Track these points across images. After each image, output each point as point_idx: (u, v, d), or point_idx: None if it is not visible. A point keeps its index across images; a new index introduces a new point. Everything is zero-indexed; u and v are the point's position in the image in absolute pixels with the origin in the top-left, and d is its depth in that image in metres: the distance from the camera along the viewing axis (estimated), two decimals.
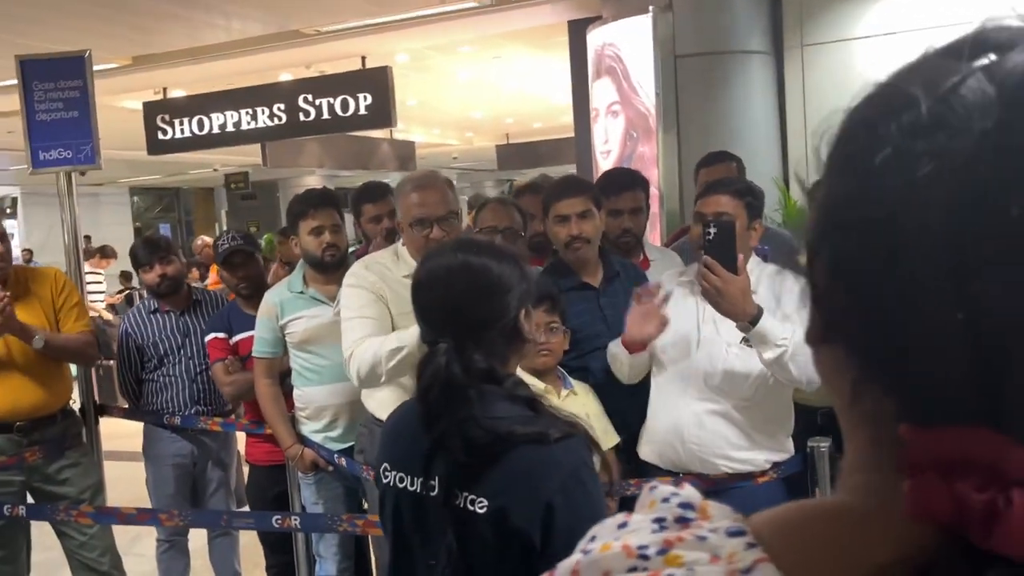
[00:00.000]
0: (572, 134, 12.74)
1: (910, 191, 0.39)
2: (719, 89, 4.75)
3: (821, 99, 4.76)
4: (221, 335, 3.25)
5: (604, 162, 5.04)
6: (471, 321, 1.34)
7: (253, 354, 2.95)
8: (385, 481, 1.41)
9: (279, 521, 2.58)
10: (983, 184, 0.37)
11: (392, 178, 18.44)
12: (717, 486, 2.19)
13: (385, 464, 1.42)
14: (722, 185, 2.25)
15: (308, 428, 2.93)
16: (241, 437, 3.62)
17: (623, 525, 0.49)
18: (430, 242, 2.29)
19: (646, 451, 2.35)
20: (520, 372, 2.29)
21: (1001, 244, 0.37)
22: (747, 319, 1.98)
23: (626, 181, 2.99)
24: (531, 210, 3.17)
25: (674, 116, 4.71)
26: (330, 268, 2.86)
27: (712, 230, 1.97)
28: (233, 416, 3.58)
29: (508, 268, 1.38)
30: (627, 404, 2.36)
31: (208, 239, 8.45)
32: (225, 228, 18.98)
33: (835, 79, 4.72)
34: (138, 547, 4.00)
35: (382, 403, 2.46)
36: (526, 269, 1.42)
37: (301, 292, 2.90)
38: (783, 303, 2.12)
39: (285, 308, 2.88)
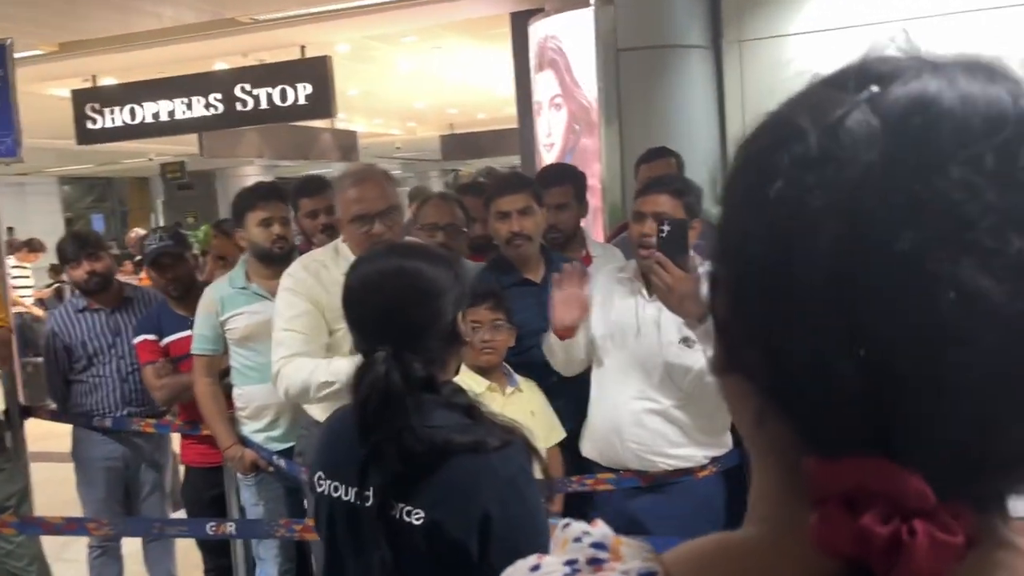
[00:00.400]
0: (516, 125, 12.77)
1: (800, 224, 0.39)
2: (660, 83, 4.77)
3: (759, 93, 4.82)
4: (151, 337, 3.16)
5: (547, 155, 5.04)
6: (408, 327, 1.31)
7: (192, 351, 2.88)
8: (320, 490, 1.38)
9: (214, 528, 2.51)
10: (868, 216, 0.38)
11: (335, 168, 18.19)
12: (657, 480, 2.21)
13: (320, 473, 1.38)
14: (661, 184, 2.25)
15: (248, 428, 2.87)
16: (176, 437, 3.54)
17: (535, 568, 0.48)
18: (371, 237, 2.25)
19: (587, 448, 2.35)
20: (465, 370, 2.29)
21: (886, 277, 0.37)
22: (696, 317, 1.99)
23: (553, 176, 2.98)
24: (472, 212, 3.10)
25: (616, 110, 4.73)
26: (278, 261, 2.80)
27: (666, 227, 1.99)
28: (168, 417, 3.49)
29: (442, 271, 1.35)
30: (568, 400, 2.36)
31: (143, 231, 8.21)
32: (156, 225, 18.51)
33: (772, 74, 4.78)
34: (69, 552, 3.87)
35: (322, 406, 2.42)
36: (460, 270, 1.41)
37: (243, 287, 2.83)
38: None
39: (226, 304, 2.81)
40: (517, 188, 2.49)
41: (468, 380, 2.27)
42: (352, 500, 1.32)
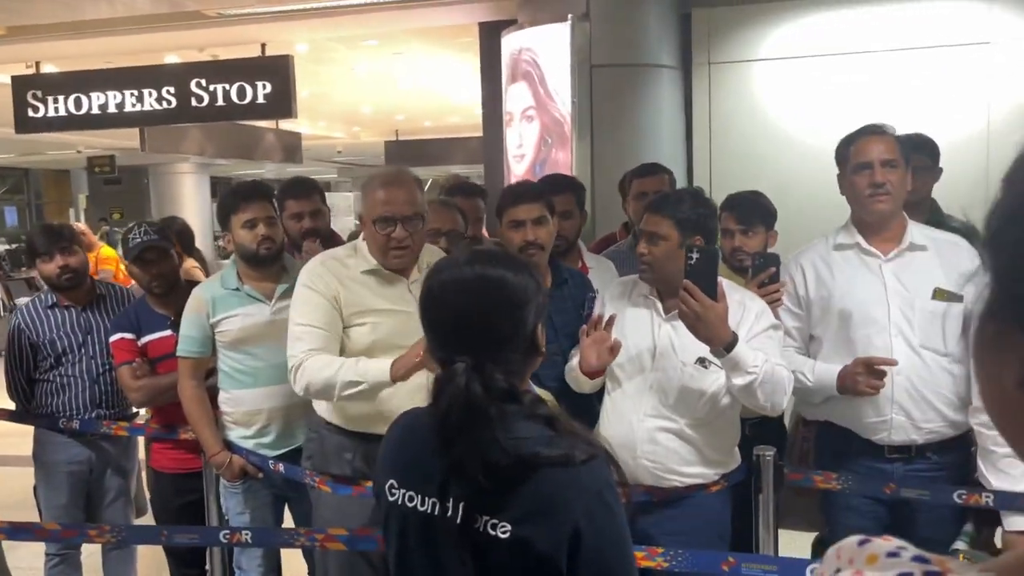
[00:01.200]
0: (463, 135, 12.75)
1: None
2: (631, 100, 4.86)
3: (725, 115, 4.97)
4: (128, 336, 3.03)
5: (517, 166, 5.07)
6: (490, 338, 1.28)
7: (178, 353, 2.77)
8: (392, 499, 1.34)
9: (228, 536, 2.42)
10: None
11: (269, 168, 17.67)
12: (671, 495, 2.24)
13: (392, 481, 1.35)
14: (660, 205, 2.26)
15: (236, 434, 2.78)
16: (142, 442, 3.41)
17: None
18: (391, 241, 2.25)
19: None
20: None
21: None
22: (723, 345, 2.02)
23: (557, 185, 3.02)
24: (470, 211, 3.25)
25: (588, 124, 4.79)
26: (266, 262, 2.74)
27: (695, 255, 2.00)
28: (140, 419, 3.36)
29: (525, 279, 1.32)
30: (577, 412, 2.38)
31: (83, 226, 7.88)
32: (75, 219, 17.80)
33: (739, 97, 4.93)
34: (15, 559, 3.67)
35: (332, 407, 2.38)
36: (540, 280, 1.37)
37: (236, 289, 2.75)
38: (742, 326, 2.17)
39: (218, 305, 2.72)
40: (532, 198, 2.50)
41: None
42: (429, 510, 1.29)
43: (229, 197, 2.79)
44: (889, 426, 2.29)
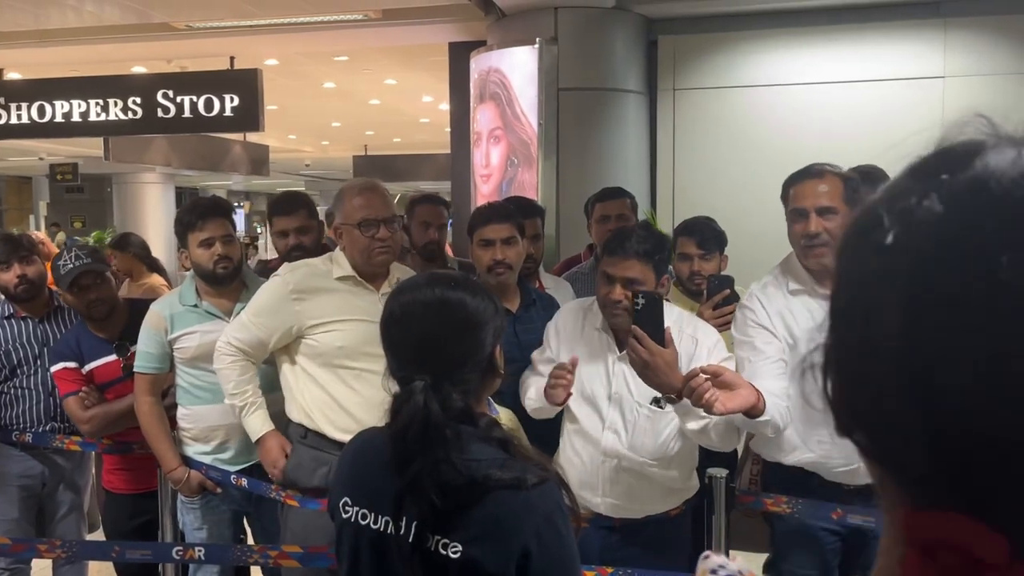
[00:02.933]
0: (431, 151, 12.79)
1: (871, 306, 0.43)
2: (597, 123, 4.94)
3: (689, 140, 5.06)
4: (70, 364, 2.93)
5: (484, 185, 5.11)
6: (449, 358, 1.31)
7: (136, 369, 2.75)
8: (345, 516, 1.36)
9: (180, 552, 2.40)
10: (932, 293, 0.40)
11: (237, 180, 17.50)
12: (632, 522, 2.26)
13: (346, 499, 1.36)
14: (630, 247, 2.16)
15: (193, 449, 2.77)
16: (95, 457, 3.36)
17: None
18: (375, 241, 2.31)
19: None
20: None
21: (957, 376, 0.39)
22: (673, 391, 1.95)
23: (526, 209, 3.07)
24: (427, 218, 3.45)
25: (554, 146, 4.85)
26: (223, 281, 2.73)
27: (640, 301, 1.94)
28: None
29: (483, 302, 1.35)
30: (538, 432, 2.39)
31: (41, 234, 7.76)
32: (64, 244, 17.48)
33: (702, 122, 5.03)
34: None
35: (306, 410, 2.42)
36: (499, 303, 1.41)
37: (195, 305, 2.74)
38: (695, 362, 2.12)
39: (176, 322, 2.71)
40: (502, 218, 2.54)
41: None
42: (382, 529, 1.30)
43: (186, 214, 2.76)
44: (858, 473, 2.23)
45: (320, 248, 3.22)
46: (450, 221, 4.06)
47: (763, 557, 2.75)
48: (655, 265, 2.17)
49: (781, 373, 2.20)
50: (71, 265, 2.92)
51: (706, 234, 2.87)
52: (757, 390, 1.96)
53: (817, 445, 2.24)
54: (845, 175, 2.28)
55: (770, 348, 2.23)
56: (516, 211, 2.69)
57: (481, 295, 1.37)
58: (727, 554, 2.41)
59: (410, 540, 1.27)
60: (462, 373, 1.31)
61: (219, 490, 2.74)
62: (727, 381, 1.91)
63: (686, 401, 1.96)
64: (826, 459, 2.26)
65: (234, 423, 2.70)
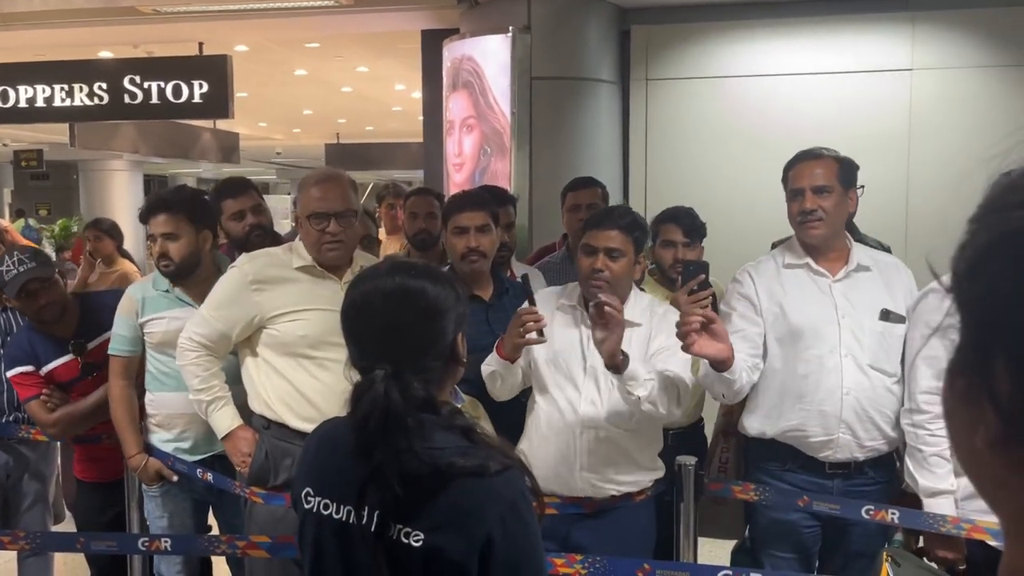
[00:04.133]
0: (404, 140, 12.71)
1: None
2: (570, 113, 4.93)
3: (661, 130, 5.08)
4: (27, 368, 2.85)
5: (457, 174, 5.09)
6: (410, 347, 1.30)
7: (109, 352, 2.73)
8: (307, 507, 1.35)
9: (146, 544, 2.37)
10: None
11: (206, 168, 17.37)
12: (600, 506, 2.27)
13: (308, 489, 1.36)
14: (612, 218, 2.26)
15: (157, 437, 2.75)
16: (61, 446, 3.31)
17: None
18: (325, 236, 2.29)
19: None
20: None
21: None
22: (615, 363, 2.07)
23: (502, 197, 3.07)
24: (415, 209, 3.57)
25: (527, 135, 4.84)
26: (168, 278, 2.69)
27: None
28: None
29: (444, 290, 1.34)
30: (507, 419, 2.40)
31: (4, 222, 7.61)
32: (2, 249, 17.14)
33: (675, 113, 5.05)
34: None
35: (267, 401, 2.39)
36: (460, 290, 1.40)
37: (166, 291, 2.72)
38: (656, 337, 2.23)
39: (147, 306, 2.70)
40: (476, 206, 2.54)
41: None
42: (343, 519, 1.30)
43: (142, 209, 2.74)
44: (835, 445, 2.32)
45: (275, 234, 3.19)
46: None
47: (731, 544, 2.78)
48: (634, 240, 2.24)
49: (751, 353, 2.32)
50: (15, 271, 2.78)
51: (690, 223, 2.88)
52: (732, 350, 2.09)
53: (794, 413, 2.33)
54: (840, 157, 2.39)
55: (745, 324, 2.36)
56: (492, 199, 2.68)
57: (442, 283, 1.36)
58: (695, 543, 2.45)
59: (372, 529, 1.26)
60: (424, 362, 1.31)
61: (175, 478, 2.71)
62: (715, 331, 2.06)
63: (630, 370, 2.07)
64: (802, 427, 2.33)
65: (195, 412, 2.67)
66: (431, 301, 1.32)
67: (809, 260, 2.38)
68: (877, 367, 2.30)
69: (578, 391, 2.26)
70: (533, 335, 2.14)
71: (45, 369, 2.88)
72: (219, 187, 3.36)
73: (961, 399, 0.48)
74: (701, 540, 2.53)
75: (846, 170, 2.35)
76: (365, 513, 1.27)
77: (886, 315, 2.30)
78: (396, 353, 1.28)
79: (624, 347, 2.11)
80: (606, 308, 2.03)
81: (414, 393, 1.26)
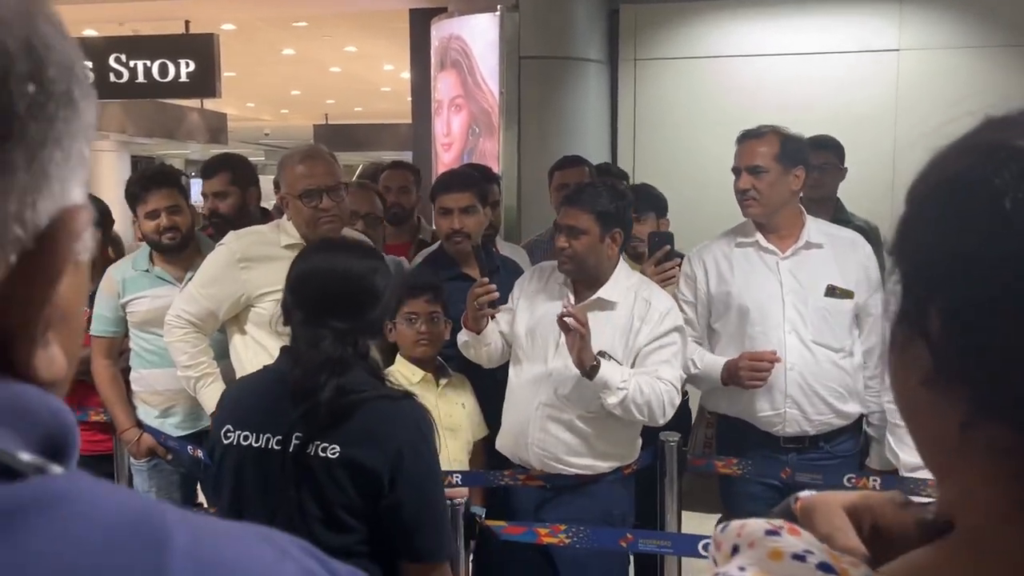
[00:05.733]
0: (393, 121, 12.65)
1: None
2: (558, 92, 4.92)
3: (650, 109, 5.08)
4: None
5: (445, 154, 5.08)
6: (350, 310, 1.54)
7: (91, 333, 2.74)
8: (227, 442, 1.55)
9: None
10: None
11: (194, 149, 17.26)
12: (568, 482, 2.28)
13: (227, 427, 1.57)
14: (577, 198, 2.27)
15: (144, 412, 2.78)
16: None
17: None
18: (319, 212, 2.29)
19: (499, 443, 2.40)
20: (401, 360, 2.32)
21: None
22: (585, 368, 2.11)
23: (491, 175, 3.08)
24: (392, 183, 3.55)
25: (516, 115, 4.84)
26: (172, 251, 2.72)
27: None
28: None
29: (373, 262, 1.61)
30: (494, 396, 2.42)
31: None
32: None
33: (663, 92, 5.05)
34: None
35: None
36: (385, 261, 1.70)
37: (147, 270, 2.74)
38: (646, 324, 2.24)
39: (128, 286, 2.71)
40: (461, 186, 2.54)
41: (403, 370, 2.30)
42: (263, 446, 1.51)
43: (133, 185, 2.75)
44: (783, 419, 2.37)
45: (242, 216, 3.11)
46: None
47: (715, 518, 2.82)
48: (598, 216, 2.21)
49: (693, 336, 2.45)
50: None
51: (638, 196, 2.88)
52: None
53: (744, 390, 2.38)
54: (786, 135, 2.39)
55: (687, 309, 2.48)
56: (480, 178, 2.68)
57: (372, 257, 1.64)
58: (679, 517, 2.48)
59: (291, 451, 1.48)
60: (361, 322, 1.55)
61: (169, 457, 2.74)
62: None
63: (600, 376, 2.11)
64: (751, 403, 2.39)
65: (180, 388, 2.68)
66: (365, 272, 1.58)
67: (759, 238, 2.42)
68: (822, 342, 2.34)
69: (545, 366, 2.27)
70: (487, 308, 2.21)
71: None
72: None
73: (899, 348, 0.50)
74: (687, 515, 2.57)
75: (790, 148, 2.36)
76: (283, 437, 1.50)
77: (832, 291, 2.34)
78: (337, 316, 1.53)
79: (599, 330, 2.13)
80: (567, 320, 2.07)
81: (358, 347, 1.54)
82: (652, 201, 2.94)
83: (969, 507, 0.47)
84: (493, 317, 2.30)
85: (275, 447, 1.50)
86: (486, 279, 2.22)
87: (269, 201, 3.28)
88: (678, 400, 2.23)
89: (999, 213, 0.44)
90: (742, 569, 0.50)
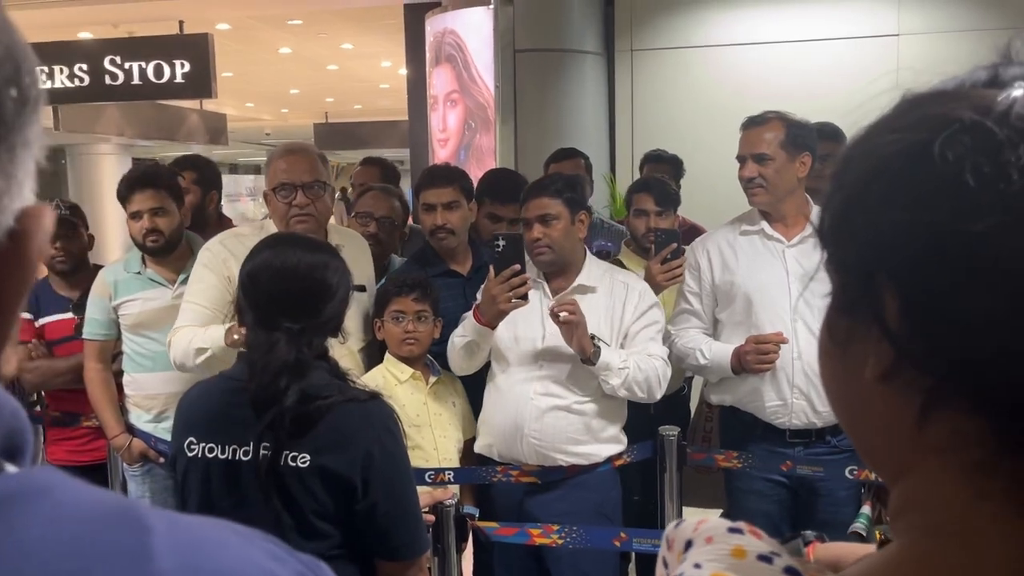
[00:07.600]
0: (393, 118, 12.61)
1: (1007, 203, 0.40)
2: (554, 85, 4.88)
3: (647, 101, 5.03)
4: (26, 316, 2.89)
5: (441, 150, 5.04)
6: (303, 308, 1.48)
7: (83, 336, 2.72)
8: (191, 454, 1.52)
9: None
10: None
11: (195, 151, 17.27)
12: (555, 476, 2.26)
13: (190, 439, 1.52)
14: (540, 188, 2.31)
15: (136, 417, 2.74)
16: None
17: None
18: (292, 208, 2.24)
19: (480, 444, 2.37)
20: (389, 359, 2.28)
21: None
22: (585, 354, 2.12)
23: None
24: (361, 180, 3.62)
25: (512, 109, 4.79)
26: (157, 253, 2.67)
27: (501, 243, 2.12)
28: (38, 408, 3.25)
29: (323, 256, 1.55)
30: (479, 396, 2.38)
31: None
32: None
33: (660, 83, 5.00)
34: None
35: None
36: (340, 257, 1.60)
37: (138, 272, 2.70)
38: (625, 318, 2.25)
39: (119, 288, 2.68)
40: (444, 182, 2.50)
41: (392, 369, 2.27)
42: (231, 458, 1.48)
43: (120, 185, 2.71)
44: (790, 410, 2.32)
45: (199, 216, 3.07)
46: (410, 191, 4.00)
47: (716, 512, 2.78)
48: (566, 201, 2.26)
49: (702, 328, 2.44)
50: None
51: (663, 192, 2.86)
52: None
53: (749, 379, 2.34)
54: (791, 121, 2.36)
55: (693, 300, 2.46)
56: (461, 174, 2.62)
57: (323, 251, 1.57)
58: (679, 511, 2.44)
59: (260, 461, 1.44)
60: (317, 320, 1.50)
61: (162, 460, 2.70)
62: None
63: (602, 360, 2.12)
64: (757, 392, 2.35)
65: (173, 392, 2.63)
66: (318, 268, 1.52)
67: (764, 225, 2.39)
68: None
69: (535, 360, 2.27)
70: (518, 300, 2.16)
71: (40, 322, 2.92)
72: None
73: (842, 343, 0.47)
74: (688, 510, 2.52)
75: (795, 134, 2.33)
76: (251, 448, 1.46)
77: None
78: (292, 314, 1.47)
79: (585, 315, 2.13)
80: (558, 312, 2.09)
81: (311, 348, 1.48)
82: (673, 198, 2.91)
83: (931, 502, 0.44)
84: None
85: (243, 458, 1.47)
86: (517, 266, 2.16)
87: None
88: (669, 373, 2.27)
89: (960, 186, 0.41)
90: (697, 567, 0.47)
